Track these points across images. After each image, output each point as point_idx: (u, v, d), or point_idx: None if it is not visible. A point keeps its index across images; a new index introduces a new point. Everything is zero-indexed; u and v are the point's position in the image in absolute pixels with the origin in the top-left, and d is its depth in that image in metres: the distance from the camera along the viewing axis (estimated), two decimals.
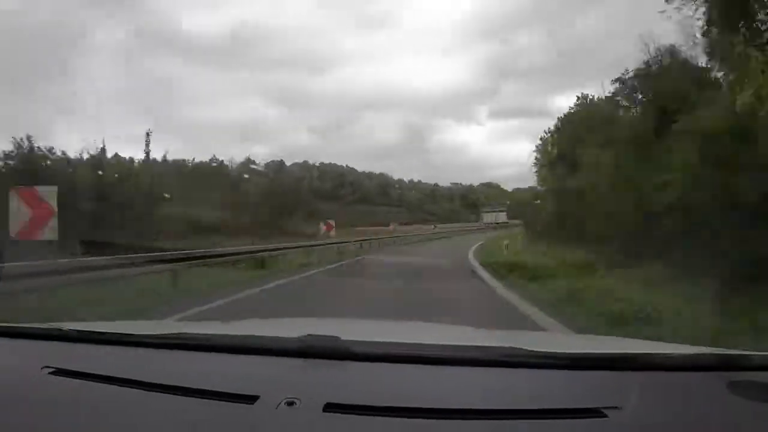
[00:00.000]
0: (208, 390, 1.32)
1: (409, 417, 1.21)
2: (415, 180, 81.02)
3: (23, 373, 1.54)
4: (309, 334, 1.52)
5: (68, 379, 1.47)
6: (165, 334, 1.74)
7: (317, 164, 71.15)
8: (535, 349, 1.52)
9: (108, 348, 1.71)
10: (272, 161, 62.60)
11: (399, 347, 1.60)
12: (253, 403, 1.25)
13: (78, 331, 1.80)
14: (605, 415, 1.19)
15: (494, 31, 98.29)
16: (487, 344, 1.71)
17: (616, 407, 1.21)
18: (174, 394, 1.33)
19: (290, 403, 1.23)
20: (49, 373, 1.50)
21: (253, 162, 53.85)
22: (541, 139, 40.78)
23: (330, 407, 1.22)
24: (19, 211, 12.34)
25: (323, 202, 54.46)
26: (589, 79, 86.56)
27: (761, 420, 1.21)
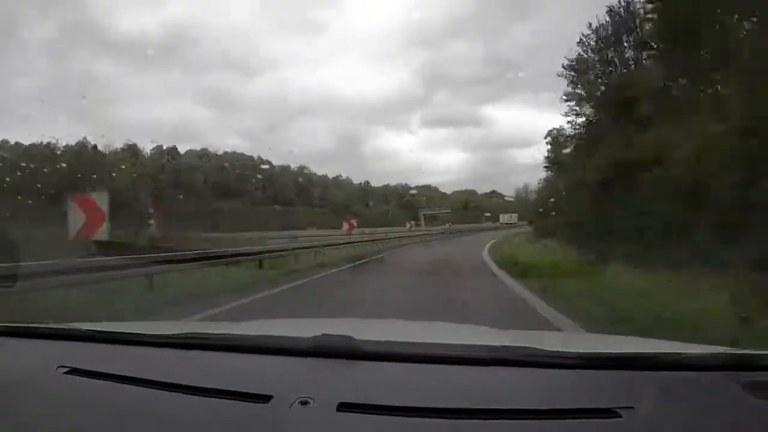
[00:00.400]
0: (222, 389, 1.33)
1: (422, 417, 1.21)
2: (343, 177, 71.67)
3: (39, 373, 1.56)
4: (323, 334, 1.52)
5: (83, 378, 1.49)
6: (179, 334, 1.75)
7: (219, 153, 59.58)
8: (549, 349, 1.51)
9: (123, 348, 1.72)
10: (157, 147, 51.03)
11: (412, 347, 1.60)
12: (267, 403, 1.25)
13: (93, 331, 1.82)
14: (619, 415, 1.18)
15: (427, 41, 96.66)
16: (500, 344, 1.70)
17: (630, 407, 1.20)
18: (188, 393, 1.34)
19: (304, 403, 1.24)
20: (65, 372, 1.52)
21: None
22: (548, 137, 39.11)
23: (344, 407, 1.22)
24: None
25: (220, 198, 46.82)
26: (520, 91, 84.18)
27: None
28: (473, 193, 75.94)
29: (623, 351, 1.62)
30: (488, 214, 68.34)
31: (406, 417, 1.21)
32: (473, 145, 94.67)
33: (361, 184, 72.61)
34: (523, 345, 1.56)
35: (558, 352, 1.51)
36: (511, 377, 1.44)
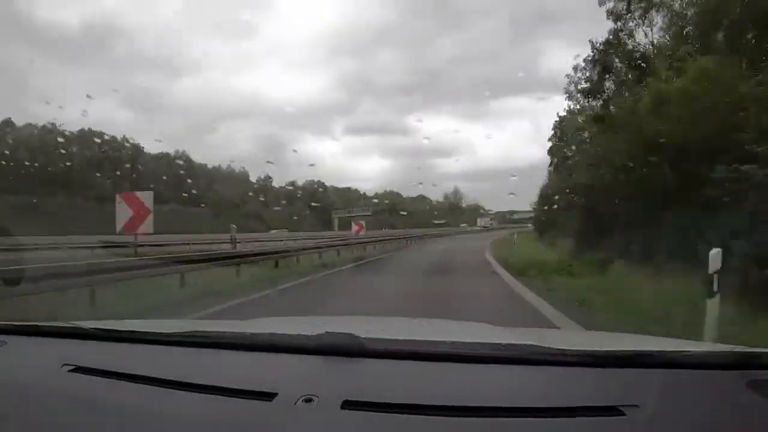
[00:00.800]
0: (226, 387, 1.34)
1: (427, 414, 1.21)
2: (236, 169, 58.34)
3: (44, 371, 1.57)
4: (326, 332, 1.53)
5: (88, 376, 1.50)
6: (183, 332, 1.76)
7: (74, 132, 48.77)
8: (554, 347, 1.50)
9: (127, 346, 1.74)
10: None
11: (417, 344, 1.60)
12: (271, 400, 1.26)
13: (97, 329, 1.83)
14: (623, 413, 1.18)
15: (354, 49, 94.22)
16: (504, 341, 1.69)
17: (634, 405, 1.20)
18: (193, 391, 1.35)
19: (308, 400, 1.24)
20: (69, 370, 1.53)
21: None
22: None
23: (348, 404, 1.22)
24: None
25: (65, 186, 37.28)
26: (444, 101, 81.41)
27: None
28: (398, 195, 70.69)
29: (628, 349, 1.61)
30: (443, 221, 64.79)
31: (410, 415, 1.21)
32: (398, 153, 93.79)
33: (260, 177, 64.71)
34: (527, 343, 1.55)
35: (563, 349, 1.50)
36: (516, 375, 1.43)
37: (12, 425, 1.30)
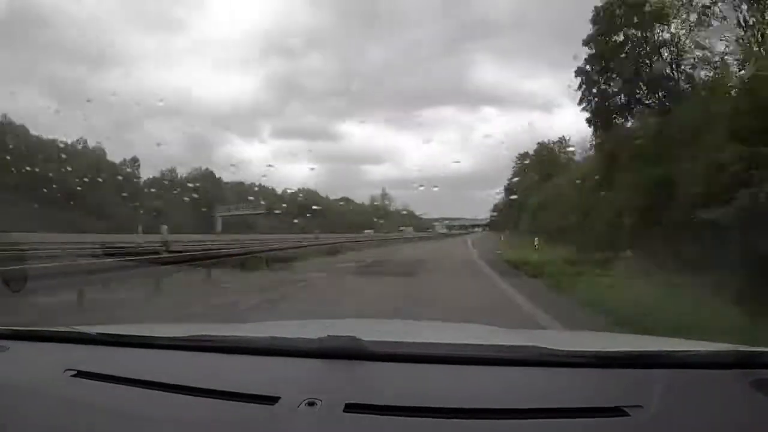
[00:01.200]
0: (229, 391, 1.33)
1: (429, 417, 1.21)
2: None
3: (46, 376, 1.56)
4: (328, 335, 1.52)
5: (90, 381, 1.49)
6: (185, 336, 1.75)
7: None
8: (557, 348, 1.51)
9: (129, 350, 1.73)
10: None
11: (418, 347, 1.60)
12: (274, 404, 1.25)
13: (99, 333, 1.82)
14: (627, 414, 1.18)
15: (283, 50, 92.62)
16: (507, 343, 1.70)
17: (638, 406, 1.20)
18: (195, 395, 1.34)
19: (311, 404, 1.23)
20: (72, 375, 1.52)
21: None
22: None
23: (350, 407, 1.22)
24: None
25: None
26: (374, 108, 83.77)
27: None
28: (315, 193, 60.82)
29: (631, 349, 1.62)
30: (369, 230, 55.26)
31: (413, 417, 1.21)
32: (327, 158, 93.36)
33: (125, 160, 49.81)
34: (531, 344, 1.55)
35: (565, 351, 1.51)
36: (519, 377, 1.44)
37: (16, 430, 1.29)
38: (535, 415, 1.22)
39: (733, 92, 14.23)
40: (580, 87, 22.35)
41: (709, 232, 9.81)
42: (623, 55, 19.76)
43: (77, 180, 38.56)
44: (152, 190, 48.59)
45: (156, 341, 1.76)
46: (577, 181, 23.79)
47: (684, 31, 18.42)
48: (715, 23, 17.54)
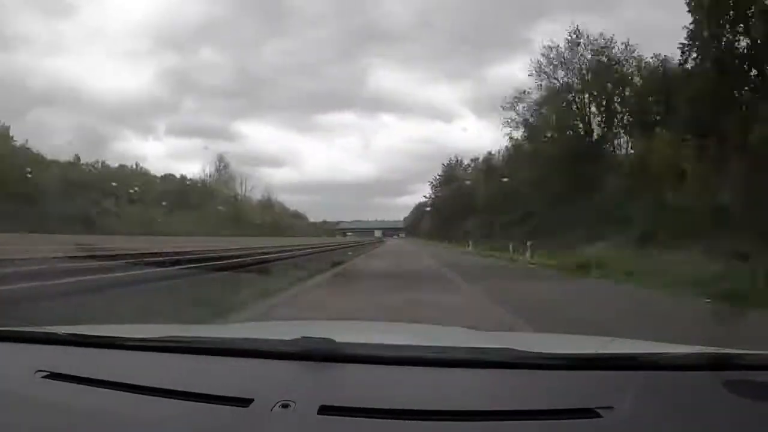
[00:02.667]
0: (203, 393, 1.32)
1: (404, 419, 1.22)
2: None
3: (16, 378, 1.53)
4: (303, 337, 1.52)
5: (62, 383, 1.46)
6: (159, 338, 1.73)
7: None
8: (529, 350, 1.53)
9: (102, 351, 1.69)
10: None
11: (393, 349, 1.61)
12: (247, 406, 1.24)
13: (71, 334, 1.78)
14: (600, 416, 1.19)
15: (176, 44, 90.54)
16: (481, 345, 1.71)
17: (610, 407, 1.21)
18: (168, 397, 1.32)
19: (285, 406, 1.23)
20: (43, 377, 1.48)
21: None
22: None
23: (325, 409, 1.22)
24: None
25: None
26: (272, 110, 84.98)
27: (756, 419, 1.22)
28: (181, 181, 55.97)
29: (603, 351, 1.65)
30: None
31: (387, 419, 1.21)
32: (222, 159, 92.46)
33: None
34: (504, 347, 1.57)
35: (538, 353, 1.52)
36: (492, 379, 1.45)
37: None
38: (508, 416, 1.23)
39: None
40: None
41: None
42: None
43: None
44: None
45: (129, 342, 1.73)
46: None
47: None
48: None
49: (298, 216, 68.94)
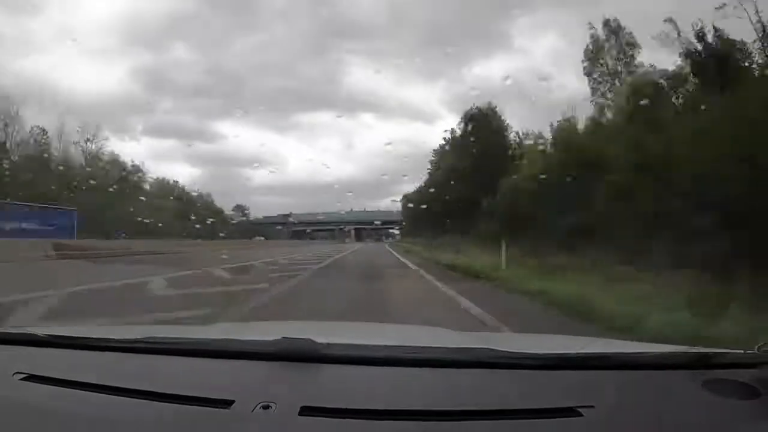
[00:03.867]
0: (183, 395, 1.31)
1: (385, 419, 1.22)
2: None
3: None
4: (283, 337, 1.51)
5: (40, 384, 1.44)
6: (139, 339, 1.72)
7: None
8: (510, 350, 1.54)
9: (81, 353, 1.68)
10: None
11: (374, 350, 1.61)
12: (228, 408, 1.24)
13: (50, 335, 1.77)
14: (580, 414, 1.20)
15: (148, 41, 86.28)
16: (462, 345, 1.72)
17: (591, 406, 1.22)
18: (148, 399, 1.31)
19: (266, 407, 1.22)
20: (21, 379, 1.47)
21: None
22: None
23: (306, 410, 1.22)
24: None
25: None
26: (249, 109, 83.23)
27: (735, 417, 1.24)
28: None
29: (585, 351, 1.66)
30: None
31: (368, 420, 1.21)
32: (202, 161, 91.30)
33: None
34: (484, 347, 1.58)
35: (519, 353, 1.53)
36: (473, 379, 1.45)
37: None
38: (490, 416, 1.24)
39: None
40: None
41: None
42: None
43: None
44: None
45: (108, 343, 1.72)
46: None
47: None
48: None
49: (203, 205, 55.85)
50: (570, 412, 1.21)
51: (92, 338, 1.77)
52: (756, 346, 1.46)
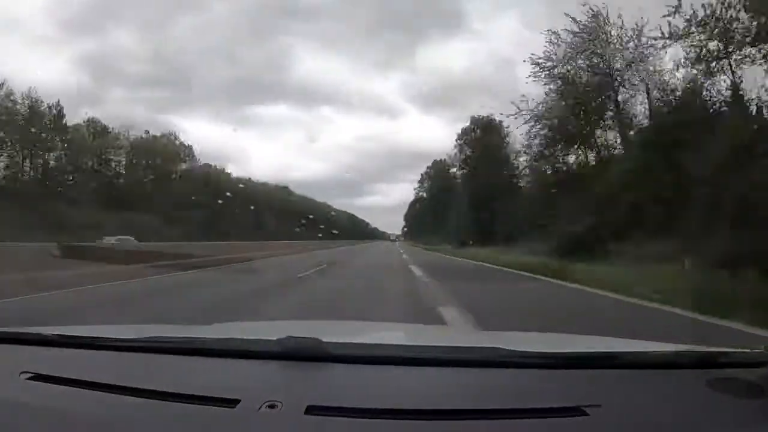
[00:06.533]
0: (188, 394, 1.31)
1: (391, 418, 1.21)
2: None
3: (1, 379, 1.51)
4: (288, 336, 1.51)
5: (47, 384, 1.44)
6: (145, 338, 1.72)
7: None
8: (517, 349, 1.53)
9: (88, 352, 1.68)
10: None
11: (380, 348, 1.61)
12: (234, 407, 1.24)
13: (56, 335, 1.77)
14: (586, 414, 1.20)
15: (87, 26, 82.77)
16: (468, 344, 1.72)
17: (597, 405, 1.22)
18: (154, 398, 1.32)
19: (272, 406, 1.22)
20: (28, 378, 1.47)
21: None
22: None
23: (312, 410, 1.21)
24: None
25: None
26: (201, 101, 78.90)
27: (742, 417, 1.24)
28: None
29: (589, 350, 1.66)
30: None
31: (374, 419, 1.21)
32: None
33: None
34: (490, 345, 1.57)
35: (524, 352, 1.53)
36: (478, 378, 1.45)
37: None
38: (495, 415, 1.23)
39: None
40: None
41: None
42: None
43: None
44: None
45: (116, 343, 1.72)
46: None
47: None
48: None
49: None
50: (576, 411, 1.21)
51: (99, 338, 1.78)
52: (762, 346, 1.47)
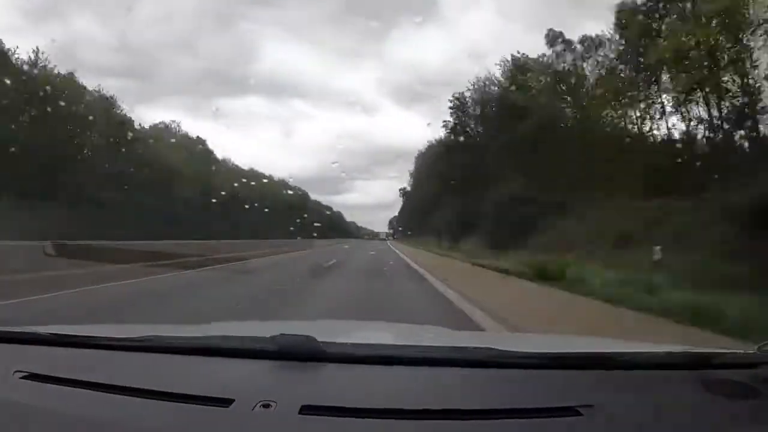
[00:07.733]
0: (183, 393, 1.31)
1: (385, 418, 1.22)
2: None
3: None
4: (284, 336, 1.51)
5: (40, 383, 1.43)
6: (138, 337, 1.71)
7: None
8: (510, 349, 1.54)
9: (81, 352, 1.67)
10: None
11: (374, 348, 1.61)
12: (228, 406, 1.23)
13: (51, 334, 1.76)
14: (580, 414, 1.20)
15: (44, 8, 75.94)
16: (463, 345, 1.72)
17: (590, 405, 1.22)
18: (148, 398, 1.31)
19: (266, 406, 1.22)
20: (22, 377, 1.46)
21: None
22: None
23: (306, 409, 1.22)
24: None
25: None
26: (169, 92, 76.55)
27: (735, 417, 1.24)
28: None
29: (584, 351, 1.67)
30: None
31: (368, 419, 1.21)
32: None
33: None
34: (485, 346, 1.58)
35: (518, 352, 1.54)
36: (473, 378, 1.46)
37: None
38: (489, 415, 1.24)
39: None
40: None
41: None
42: None
43: None
44: None
45: (108, 342, 1.71)
46: None
47: None
48: None
49: None
50: (569, 411, 1.21)
51: (93, 337, 1.76)
52: (756, 346, 1.47)
